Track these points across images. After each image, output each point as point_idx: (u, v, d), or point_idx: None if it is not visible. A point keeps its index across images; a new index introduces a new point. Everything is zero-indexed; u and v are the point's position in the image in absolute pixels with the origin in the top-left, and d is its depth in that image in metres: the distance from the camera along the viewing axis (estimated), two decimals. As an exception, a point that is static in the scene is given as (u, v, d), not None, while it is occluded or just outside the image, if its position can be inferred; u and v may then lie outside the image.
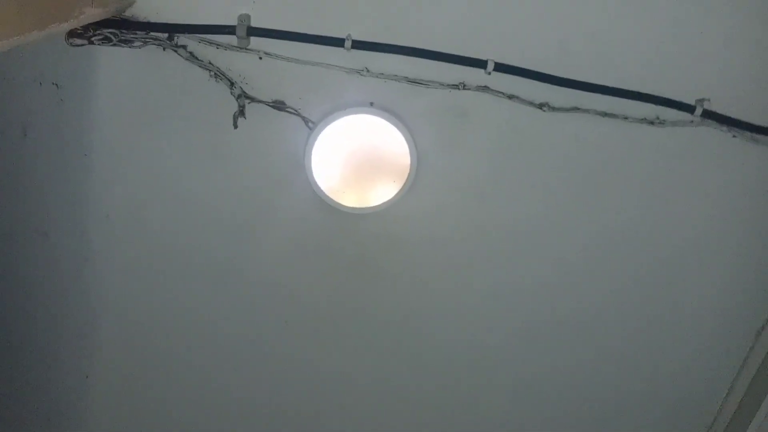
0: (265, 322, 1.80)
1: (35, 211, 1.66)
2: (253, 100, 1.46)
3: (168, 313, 1.78)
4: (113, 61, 1.44)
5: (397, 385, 1.91)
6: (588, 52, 1.43)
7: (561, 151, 1.55)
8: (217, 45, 1.40)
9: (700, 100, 1.46)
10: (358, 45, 1.38)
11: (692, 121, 1.48)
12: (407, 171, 1.52)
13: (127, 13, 1.36)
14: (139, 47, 1.39)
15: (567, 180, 1.59)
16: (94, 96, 1.49)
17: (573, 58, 1.43)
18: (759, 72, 1.45)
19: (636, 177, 1.58)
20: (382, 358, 1.86)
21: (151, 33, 1.38)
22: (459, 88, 1.45)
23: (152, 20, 1.37)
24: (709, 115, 1.47)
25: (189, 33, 1.38)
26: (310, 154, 1.48)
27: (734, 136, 1.51)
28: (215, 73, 1.43)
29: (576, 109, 1.48)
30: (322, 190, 1.52)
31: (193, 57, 1.41)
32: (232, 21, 1.36)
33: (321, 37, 1.37)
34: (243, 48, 1.40)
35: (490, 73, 1.41)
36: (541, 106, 1.47)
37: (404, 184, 1.53)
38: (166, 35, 1.39)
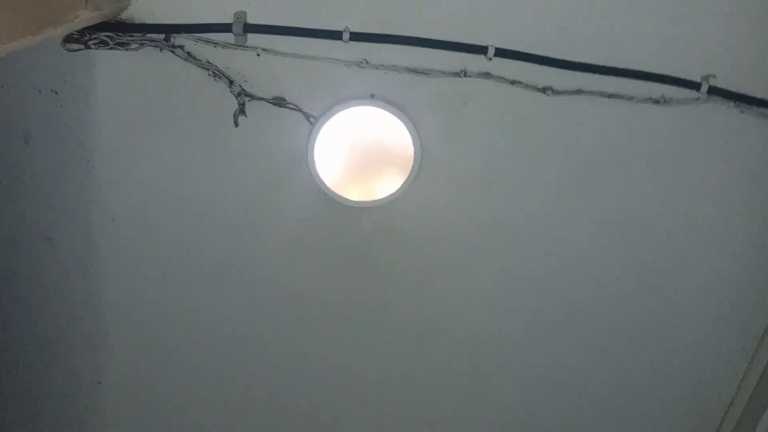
0: (273, 319, 1.79)
1: (40, 217, 1.66)
2: (253, 97, 1.45)
3: (176, 313, 1.78)
4: (111, 65, 1.44)
5: (404, 381, 1.90)
6: (589, 33, 1.41)
7: (566, 135, 1.53)
8: (215, 44, 1.39)
9: (706, 77, 1.44)
10: (357, 37, 1.36)
11: (698, 99, 1.46)
12: (411, 162, 1.50)
13: (123, 16, 1.36)
14: (136, 49, 1.38)
15: (573, 165, 1.57)
16: (93, 100, 1.49)
17: (574, 40, 1.41)
18: (764, 45, 1.43)
19: (643, 158, 1.56)
20: (390, 352, 1.85)
21: (148, 34, 1.37)
22: (460, 76, 1.43)
23: (148, 22, 1.37)
24: (715, 91, 1.45)
25: (185, 33, 1.38)
26: (313, 149, 1.47)
27: (742, 112, 1.49)
28: (214, 72, 1.42)
29: (580, 91, 1.46)
30: (325, 185, 1.51)
31: (190, 57, 1.41)
32: (228, 18, 1.36)
33: (318, 30, 1.36)
34: (240, 45, 1.39)
35: (491, 59, 1.39)
36: (544, 90, 1.45)
37: (409, 175, 1.52)
38: (162, 36, 1.38)
